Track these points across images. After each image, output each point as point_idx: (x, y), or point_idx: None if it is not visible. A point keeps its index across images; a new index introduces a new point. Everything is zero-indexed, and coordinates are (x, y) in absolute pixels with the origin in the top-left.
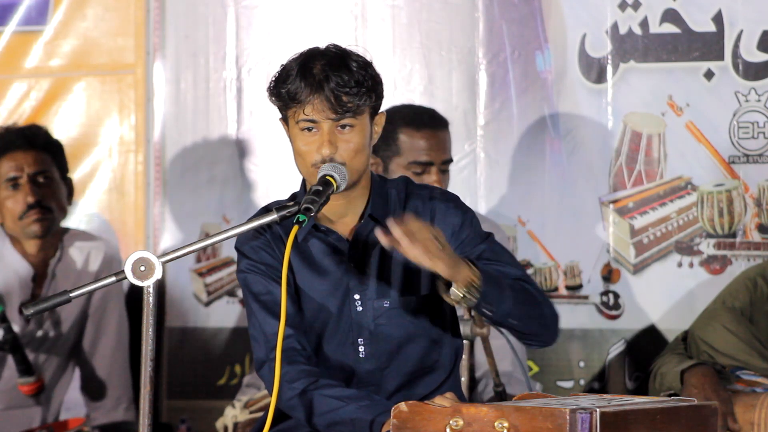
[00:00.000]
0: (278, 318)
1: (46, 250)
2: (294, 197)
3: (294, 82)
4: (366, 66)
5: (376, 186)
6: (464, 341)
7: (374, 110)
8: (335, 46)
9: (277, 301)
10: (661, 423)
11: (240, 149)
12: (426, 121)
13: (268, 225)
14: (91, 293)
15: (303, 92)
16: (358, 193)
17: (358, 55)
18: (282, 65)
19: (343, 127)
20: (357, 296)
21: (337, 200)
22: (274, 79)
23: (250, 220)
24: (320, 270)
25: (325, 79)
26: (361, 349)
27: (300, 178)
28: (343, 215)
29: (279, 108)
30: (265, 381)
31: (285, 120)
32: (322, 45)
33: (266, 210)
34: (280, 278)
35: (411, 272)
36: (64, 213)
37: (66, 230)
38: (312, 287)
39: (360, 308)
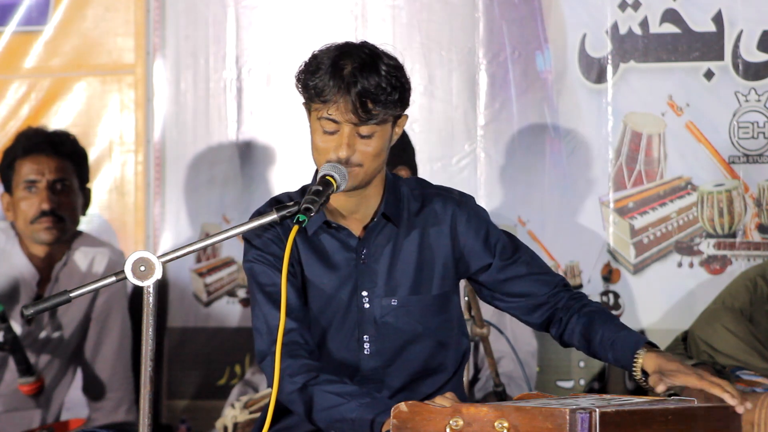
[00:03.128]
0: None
1: (54, 254)
2: (304, 190)
3: (323, 78)
4: (396, 73)
5: (390, 184)
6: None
7: (397, 116)
8: (368, 47)
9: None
10: (673, 424)
11: (240, 149)
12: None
13: (280, 218)
14: (94, 297)
15: (330, 91)
16: (371, 191)
17: (390, 58)
18: (314, 54)
19: (364, 132)
20: (365, 293)
21: (351, 198)
22: (303, 67)
23: (258, 211)
24: (330, 264)
25: (353, 83)
26: (366, 345)
27: (299, 174)
28: (355, 212)
29: (303, 97)
30: (266, 373)
31: (307, 108)
32: (357, 39)
33: (276, 201)
34: (288, 270)
35: (422, 272)
36: (76, 223)
37: (77, 234)
38: (321, 280)
39: (367, 305)
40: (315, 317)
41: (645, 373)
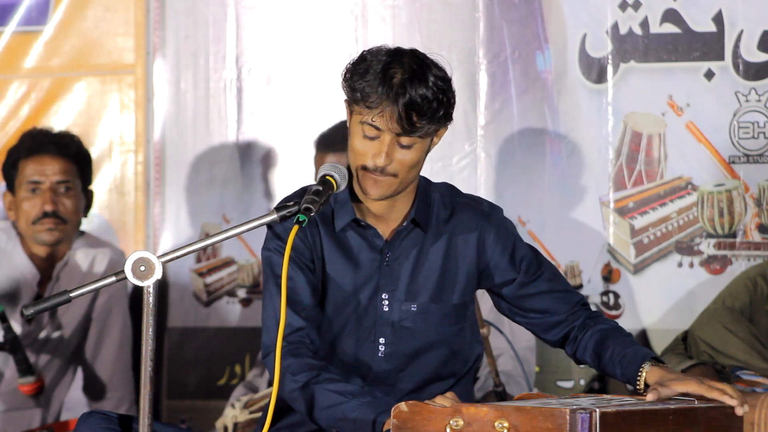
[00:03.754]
0: (293, 308)
1: (56, 255)
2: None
3: (372, 83)
4: (444, 86)
5: (422, 190)
6: None
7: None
8: (419, 56)
9: (297, 290)
10: (674, 424)
11: (240, 149)
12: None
13: (280, 218)
14: (94, 297)
15: (377, 98)
16: (404, 196)
17: (439, 70)
18: (362, 55)
19: (404, 143)
20: (385, 295)
21: (382, 201)
22: (350, 67)
23: (286, 199)
24: (354, 261)
25: (402, 93)
26: (381, 348)
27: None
28: (385, 215)
29: (348, 97)
30: (269, 369)
31: (349, 108)
32: (408, 45)
33: (304, 191)
34: (306, 265)
35: (444, 281)
36: (78, 225)
37: (79, 235)
38: (343, 277)
39: (386, 308)
40: (332, 314)
41: (648, 386)
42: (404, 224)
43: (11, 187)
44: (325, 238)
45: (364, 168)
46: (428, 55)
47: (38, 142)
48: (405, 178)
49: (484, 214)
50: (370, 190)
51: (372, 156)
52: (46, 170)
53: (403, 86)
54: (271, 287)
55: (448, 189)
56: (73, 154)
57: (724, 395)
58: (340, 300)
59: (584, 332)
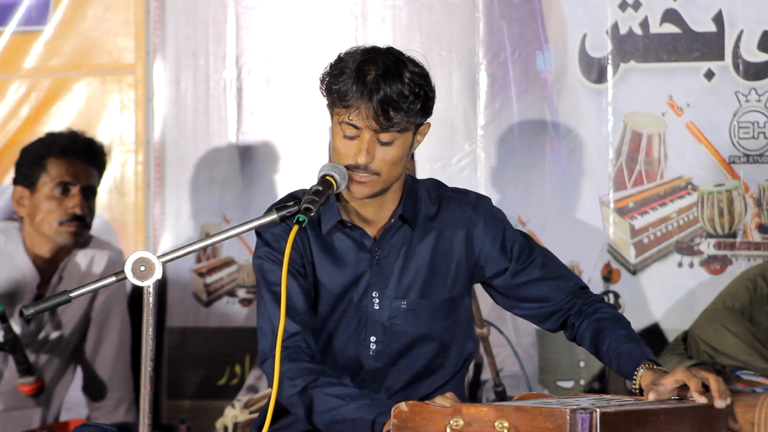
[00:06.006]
0: (288, 313)
1: (59, 255)
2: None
3: (346, 82)
4: (420, 81)
5: (408, 187)
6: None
7: (419, 124)
8: (394, 53)
9: (291, 295)
10: (664, 423)
11: (240, 149)
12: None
13: (280, 218)
14: (93, 297)
15: (352, 96)
16: (390, 196)
17: (415, 66)
18: (339, 56)
19: (384, 139)
20: (375, 293)
21: (370, 202)
22: (327, 69)
23: (274, 205)
24: (342, 263)
25: (375, 90)
26: (372, 346)
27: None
28: (372, 214)
29: (327, 100)
30: (267, 375)
31: (330, 110)
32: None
33: (292, 197)
34: (298, 270)
35: (433, 276)
36: (88, 229)
37: (89, 238)
38: (332, 280)
39: (377, 306)
40: (323, 315)
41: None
42: (392, 221)
43: (29, 183)
44: (313, 241)
45: (347, 167)
46: (404, 52)
47: (73, 144)
48: (388, 175)
49: (472, 206)
50: (355, 189)
51: (353, 155)
52: (79, 173)
53: (377, 83)
54: (264, 294)
55: (435, 184)
56: (99, 163)
57: (695, 391)
58: (330, 302)
59: (580, 320)
